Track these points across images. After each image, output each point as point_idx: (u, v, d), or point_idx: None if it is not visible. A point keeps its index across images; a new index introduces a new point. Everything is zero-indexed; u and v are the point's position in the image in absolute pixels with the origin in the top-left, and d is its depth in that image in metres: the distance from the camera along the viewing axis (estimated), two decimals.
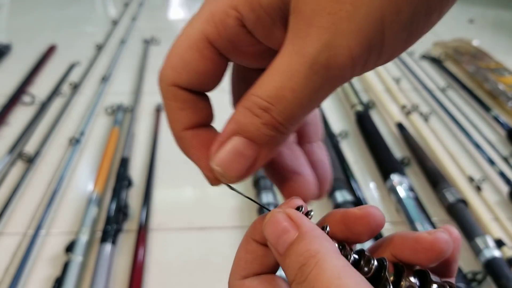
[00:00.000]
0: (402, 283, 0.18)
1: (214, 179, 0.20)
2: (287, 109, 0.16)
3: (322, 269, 0.16)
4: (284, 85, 0.16)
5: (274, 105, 0.16)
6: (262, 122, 0.17)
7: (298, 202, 0.20)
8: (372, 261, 0.18)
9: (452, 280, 0.20)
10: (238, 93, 0.23)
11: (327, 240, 0.17)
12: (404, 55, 1.39)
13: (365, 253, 0.18)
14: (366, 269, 0.18)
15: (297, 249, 0.17)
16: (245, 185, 0.83)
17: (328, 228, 0.19)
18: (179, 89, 0.19)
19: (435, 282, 0.17)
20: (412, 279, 0.18)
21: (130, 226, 0.74)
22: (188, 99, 0.20)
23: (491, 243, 0.66)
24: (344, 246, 0.19)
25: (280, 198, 0.79)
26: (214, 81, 0.20)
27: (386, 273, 0.18)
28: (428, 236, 0.18)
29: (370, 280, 0.17)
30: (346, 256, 0.18)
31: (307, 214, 0.19)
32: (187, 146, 0.21)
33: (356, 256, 0.18)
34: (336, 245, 0.18)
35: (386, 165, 0.85)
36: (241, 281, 0.20)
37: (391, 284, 0.18)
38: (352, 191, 0.78)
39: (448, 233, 0.18)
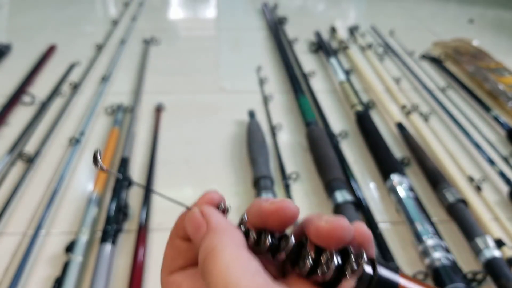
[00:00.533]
0: (322, 256, 0.19)
1: None
2: None
3: (214, 262, 0.17)
4: None
5: None
6: None
7: (214, 196, 0.22)
8: (291, 241, 0.20)
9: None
10: None
11: (232, 233, 0.19)
12: (404, 55, 1.39)
13: (285, 235, 0.20)
14: (282, 248, 0.20)
15: (203, 244, 0.19)
16: (245, 185, 0.83)
17: (246, 218, 0.21)
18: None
19: (354, 254, 0.19)
20: (334, 254, 0.19)
21: (130, 226, 0.74)
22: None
23: (491, 243, 0.66)
24: (261, 234, 0.20)
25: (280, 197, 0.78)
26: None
27: (307, 248, 0.19)
28: (325, 225, 0.19)
29: (292, 258, 0.20)
30: (259, 243, 0.20)
31: (225, 210, 0.22)
32: None
33: (270, 240, 0.20)
34: (254, 233, 0.20)
35: (386, 165, 0.85)
36: (169, 276, 0.22)
37: (310, 258, 0.19)
38: (352, 191, 0.78)
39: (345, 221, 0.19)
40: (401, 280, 0.18)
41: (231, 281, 0.16)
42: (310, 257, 0.19)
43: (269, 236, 0.20)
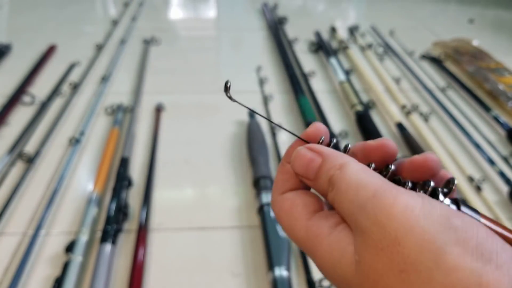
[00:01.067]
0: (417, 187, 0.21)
1: None
2: None
3: (344, 172, 0.20)
4: None
5: None
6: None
7: (321, 128, 0.24)
8: (390, 166, 0.22)
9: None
10: None
11: (348, 156, 0.22)
12: (404, 55, 1.39)
13: (386, 165, 0.23)
14: (384, 173, 0.22)
15: (324, 169, 0.21)
16: (245, 185, 0.83)
17: (349, 147, 0.23)
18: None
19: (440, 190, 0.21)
20: (430, 184, 0.21)
21: (130, 226, 0.74)
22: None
23: None
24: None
25: None
26: None
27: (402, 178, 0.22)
28: (419, 157, 0.22)
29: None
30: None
31: (330, 143, 0.24)
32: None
33: (374, 165, 0.22)
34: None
35: None
36: (281, 195, 0.24)
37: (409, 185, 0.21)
38: None
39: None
40: (482, 220, 0.19)
41: (362, 182, 0.19)
42: (408, 184, 0.21)
43: (373, 165, 0.22)
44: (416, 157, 0.22)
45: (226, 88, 0.23)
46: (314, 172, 0.22)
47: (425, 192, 0.20)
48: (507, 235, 0.19)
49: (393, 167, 0.22)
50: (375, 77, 1.25)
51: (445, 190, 0.20)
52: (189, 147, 0.96)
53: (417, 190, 0.21)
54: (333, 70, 1.26)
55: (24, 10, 1.81)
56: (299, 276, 0.65)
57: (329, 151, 0.22)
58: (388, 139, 0.23)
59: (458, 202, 0.20)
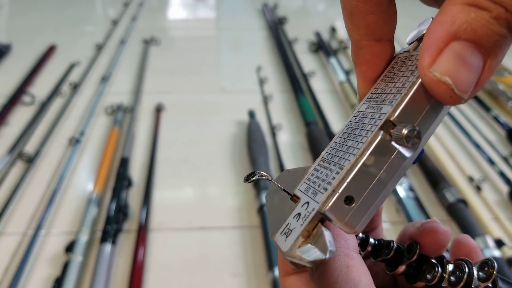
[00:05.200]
0: (448, 268, 0.20)
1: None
2: None
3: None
4: None
5: None
6: (493, 16, 0.13)
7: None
8: (392, 244, 0.21)
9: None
10: None
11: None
12: None
13: (384, 240, 0.22)
14: (386, 251, 0.21)
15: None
16: (245, 185, 0.83)
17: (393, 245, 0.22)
18: None
19: (450, 262, 0.20)
20: (433, 260, 0.21)
21: (130, 226, 0.74)
22: (381, 1, 0.17)
23: (491, 243, 0.66)
24: (367, 237, 0.22)
25: None
26: None
27: (433, 262, 0.21)
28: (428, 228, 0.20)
29: (393, 260, 0.21)
30: (366, 244, 0.21)
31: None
32: (363, 59, 0.19)
33: (373, 241, 0.21)
34: (361, 235, 0.22)
35: None
36: (286, 278, 0.22)
37: (440, 269, 0.20)
38: None
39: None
40: None
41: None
42: (441, 268, 0.20)
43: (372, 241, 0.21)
44: (425, 226, 0.20)
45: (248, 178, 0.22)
46: None
47: (458, 279, 0.19)
48: None
49: (395, 245, 0.21)
50: None
51: (480, 274, 0.19)
52: (189, 147, 0.96)
53: (447, 273, 0.20)
54: (333, 70, 1.26)
55: (24, 10, 1.81)
56: None
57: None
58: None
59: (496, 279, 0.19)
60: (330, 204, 0.16)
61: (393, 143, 0.16)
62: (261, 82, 1.20)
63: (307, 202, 0.18)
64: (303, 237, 0.17)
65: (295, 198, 0.19)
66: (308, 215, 0.17)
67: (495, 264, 0.19)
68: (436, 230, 0.20)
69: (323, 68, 1.33)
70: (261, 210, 0.73)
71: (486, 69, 0.14)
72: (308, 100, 1.09)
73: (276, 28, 1.58)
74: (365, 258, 0.20)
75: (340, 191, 0.16)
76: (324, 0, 2.14)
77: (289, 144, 0.96)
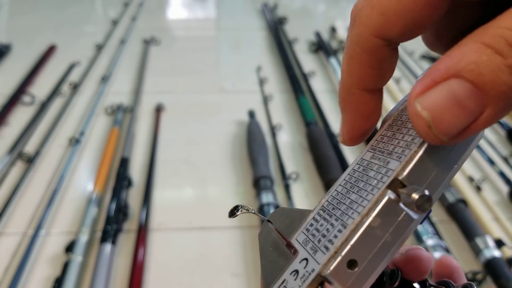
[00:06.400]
0: None
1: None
2: None
3: None
4: None
5: None
6: (507, 64, 0.12)
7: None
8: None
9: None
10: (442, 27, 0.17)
11: None
12: (404, 55, 1.39)
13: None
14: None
15: None
16: (245, 185, 0.83)
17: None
18: (384, 45, 0.15)
19: (432, 285, 0.20)
20: (416, 285, 0.20)
21: (130, 226, 0.74)
22: (385, 58, 0.16)
23: (491, 243, 0.66)
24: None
25: (280, 198, 0.79)
26: (425, 28, 0.15)
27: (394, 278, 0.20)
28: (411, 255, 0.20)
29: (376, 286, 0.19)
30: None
31: None
32: (350, 106, 0.18)
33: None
34: None
35: None
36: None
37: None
38: None
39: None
40: None
41: None
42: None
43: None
44: (409, 253, 0.20)
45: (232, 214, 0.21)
46: None
47: None
48: None
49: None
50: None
51: None
52: (189, 147, 0.96)
53: None
54: (333, 70, 1.26)
55: (24, 10, 1.81)
56: None
57: None
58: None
59: None
60: (332, 268, 0.15)
61: (401, 204, 0.15)
62: (261, 82, 1.20)
63: (306, 259, 0.17)
64: None
65: (291, 246, 0.18)
66: (308, 276, 0.16)
67: None
68: (420, 258, 0.20)
69: (323, 68, 1.33)
70: (261, 210, 0.73)
71: (482, 118, 0.13)
72: (308, 100, 1.09)
73: (276, 28, 1.58)
74: None
75: (343, 254, 0.15)
76: (324, 0, 2.13)
77: (289, 144, 0.96)
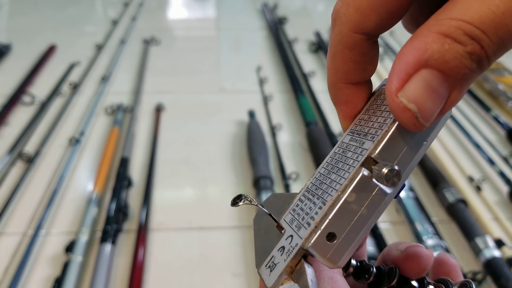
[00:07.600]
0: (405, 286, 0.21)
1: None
2: (500, 41, 0.13)
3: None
4: (507, 11, 0.13)
5: (487, 34, 0.13)
6: (467, 51, 0.14)
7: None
8: (372, 270, 0.21)
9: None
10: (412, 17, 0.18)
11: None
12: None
13: (367, 263, 0.22)
14: (366, 275, 0.21)
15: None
16: (245, 185, 0.83)
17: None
18: (364, 39, 0.16)
19: (430, 283, 0.21)
20: (413, 283, 0.21)
21: (130, 226, 0.74)
22: (367, 51, 0.17)
23: (491, 243, 0.66)
24: (349, 259, 0.22)
25: None
26: (399, 18, 0.16)
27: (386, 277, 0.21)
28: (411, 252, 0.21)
29: (374, 283, 0.21)
30: (348, 265, 0.22)
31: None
32: (340, 100, 0.19)
33: (355, 263, 0.22)
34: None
35: None
36: None
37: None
38: None
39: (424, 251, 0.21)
40: None
41: None
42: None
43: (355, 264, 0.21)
44: (408, 250, 0.21)
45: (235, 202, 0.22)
46: None
47: None
48: None
49: (375, 270, 0.22)
50: (374, 77, 1.25)
51: None
52: (189, 147, 0.96)
53: None
54: None
55: (24, 10, 1.81)
56: None
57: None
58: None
59: None
60: (312, 241, 0.16)
61: (374, 180, 0.16)
62: (261, 82, 1.20)
63: (291, 236, 0.18)
64: (286, 274, 0.17)
65: (281, 227, 0.20)
66: (292, 251, 0.17)
67: (473, 286, 0.20)
68: (419, 255, 0.21)
69: (323, 68, 1.33)
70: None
71: (449, 100, 0.15)
72: (308, 100, 1.09)
73: (276, 28, 1.58)
74: (347, 276, 0.21)
75: (322, 227, 0.16)
76: (324, 0, 2.13)
77: (289, 144, 0.96)
